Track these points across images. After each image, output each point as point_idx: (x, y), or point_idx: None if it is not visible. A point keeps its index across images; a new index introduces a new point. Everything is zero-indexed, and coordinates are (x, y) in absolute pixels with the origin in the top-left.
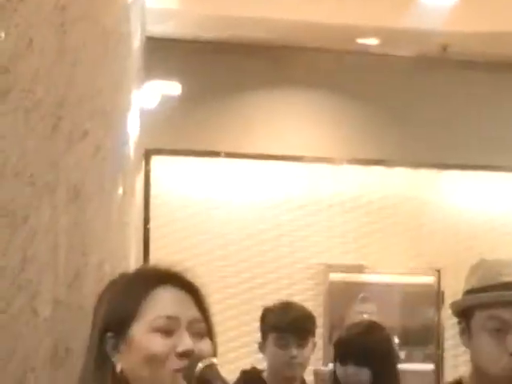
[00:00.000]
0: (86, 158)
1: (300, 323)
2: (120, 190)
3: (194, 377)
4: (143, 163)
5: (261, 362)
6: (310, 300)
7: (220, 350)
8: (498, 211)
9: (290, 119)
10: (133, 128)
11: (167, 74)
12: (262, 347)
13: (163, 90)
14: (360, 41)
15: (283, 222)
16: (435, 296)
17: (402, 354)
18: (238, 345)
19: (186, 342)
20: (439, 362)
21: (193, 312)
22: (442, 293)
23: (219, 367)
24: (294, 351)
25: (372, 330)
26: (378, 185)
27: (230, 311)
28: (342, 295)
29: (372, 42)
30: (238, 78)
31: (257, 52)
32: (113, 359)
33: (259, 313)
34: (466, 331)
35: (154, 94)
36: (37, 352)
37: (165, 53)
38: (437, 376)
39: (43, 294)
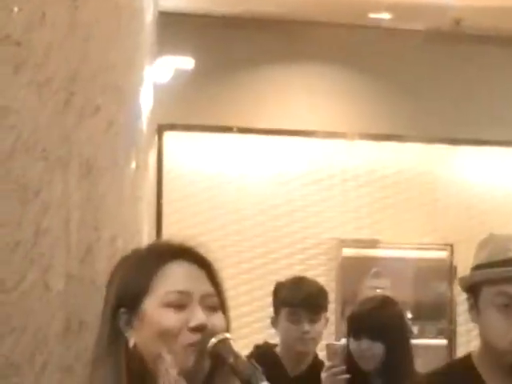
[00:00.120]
0: (98, 132)
1: (312, 298)
2: (133, 165)
3: (207, 351)
4: (156, 138)
5: (273, 337)
6: (323, 275)
7: (233, 324)
8: (511, 186)
9: (302, 94)
10: (145, 103)
11: (180, 48)
12: (275, 322)
13: (176, 64)
14: (372, 15)
15: (296, 197)
16: (448, 271)
17: (415, 329)
18: (252, 320)
19: (198, 316)
20: (452, 337)
21: (205, 286)
22: (455, 268)
23: (232, 342)
24: (307, 326)
25: (385, 304)
26: (391, 160)
27: (243, 286)
28: (355, 270)
29: (384, 16)
30: (251, 52)
31: (269, 27)
32: (126, 335)
33: (272, 288)
34: (475, 307)
35: (166, 68)
36: (49, 326)
37: (177, 27)
38: (450, 351)
39: (56, 268)
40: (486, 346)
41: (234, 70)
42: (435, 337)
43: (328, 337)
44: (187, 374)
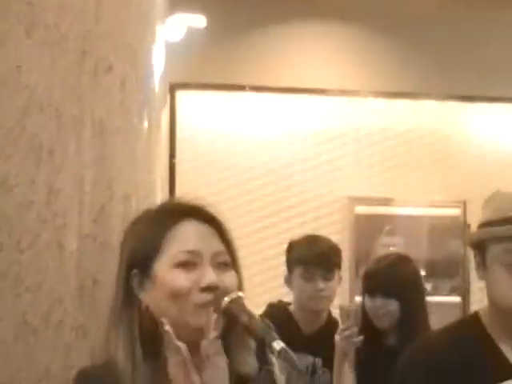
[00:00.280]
0: (111, 91)
1: (326, 256)
2: (145, 124)
3: (220, 311)
4: (168, 97)
5: (286, 296)
6: (336, 233)
7: (246, 284)
8: None
9: (315, 52)
10: (158, 62)
11: (192, 6)
12: (288, 281)
13: (188, 23)
14: None
15: (309, 156)
16: (461, 228)
17: (429, 287)
18: (264, 279)
19: (209, 275)
20: (465, 295)
21: (216, 245)
22: (468, 225)
23: (245, 301)
24: (321, 284)
25: (400, 261)
26: (404, 118)
27: (256, 245)
28: (368, 228)
29: None
30: (263, 11)
31: None
32: (139, 296)
33: (285, 246)
34: (482, 264)
35: (178, 27)
36: (64, 285)
37: None
38: (463, 308)
39: (69, 227)
40: (493, 304)
41: (246, 29)
42: (448, 294)
43: (342, 295)
44: (200, 334)
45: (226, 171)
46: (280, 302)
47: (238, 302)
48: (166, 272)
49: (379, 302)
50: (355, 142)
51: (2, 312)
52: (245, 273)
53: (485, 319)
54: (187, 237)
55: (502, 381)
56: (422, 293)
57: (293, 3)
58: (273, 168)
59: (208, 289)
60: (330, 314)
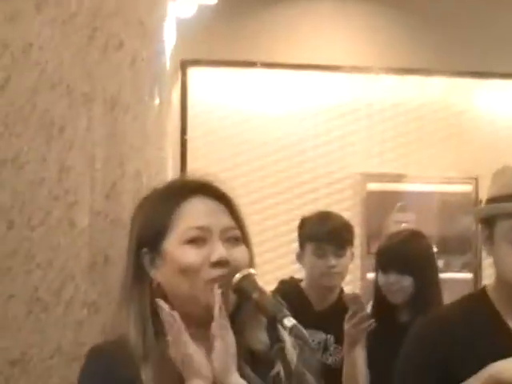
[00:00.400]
0: (121, 68)
1: (338, 233)
2: (156, 101)
3: (231, 287)
4: (179, 74)
5: (298, 273)
6: (348, 209)
7: (258, 260)
8: None
9: (327, 29)
10: (169, 38)
11: None
12: (300, 257)
13: None
14: None
15: (321, 132)
16: (473, 204)
17: (441, 263)
18: (276, 255)
19: (218, 251)
20: (477, 271)
21: (225, 220)
22: (480, 201)
23: (257, 277)
24: (332, 261)
25: (413, 238)
26: (416, 94)
27: (268, 221)
28: (380, 204)
29: None
30: None
31: None
32: (150, 274)
33: (297, 223)
34: (489, 239)
35: (189, 3)
36: (75, 261)
37: None
38: (475, 284)
39: (80, 204)
40: (500, 279)
41: (257, 5)
42: (460, 270)
43: (353, 271)
44: (211, 310)
45: (238, 148)
46: (292, 278)
47: (249, 278)
48: (176, 249)
49: (393, 278)
50: (367, 118)
51: (13, 288)
52: (256, 250)
53: (491, 294)
54: (196, 213)
55: (507, 356)
56: (435, 269)
57: None
58: (285, 144)
59: (218, 264)
60: (341, 290)
